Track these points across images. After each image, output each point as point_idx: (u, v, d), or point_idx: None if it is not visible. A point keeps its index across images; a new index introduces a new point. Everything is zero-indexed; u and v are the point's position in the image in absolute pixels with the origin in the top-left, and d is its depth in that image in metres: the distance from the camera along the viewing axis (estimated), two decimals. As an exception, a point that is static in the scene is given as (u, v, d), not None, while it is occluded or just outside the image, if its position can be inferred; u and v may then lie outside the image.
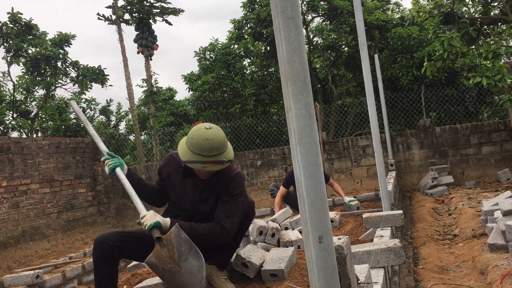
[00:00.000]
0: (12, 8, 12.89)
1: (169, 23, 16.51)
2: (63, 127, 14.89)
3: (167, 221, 2.69)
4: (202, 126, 2.74)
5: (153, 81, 16.82)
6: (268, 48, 12.43)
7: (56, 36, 13.84)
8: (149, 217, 2.63)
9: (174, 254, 2.56)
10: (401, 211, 4.18)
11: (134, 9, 15.51)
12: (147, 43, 15.89)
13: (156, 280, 3.19)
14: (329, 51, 12.25)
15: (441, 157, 10.11)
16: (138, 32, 16.04)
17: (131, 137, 17.79)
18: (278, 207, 6.33)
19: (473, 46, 10.10)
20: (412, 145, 10.28)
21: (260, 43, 12.81)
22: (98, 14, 14.95)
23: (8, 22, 12.92)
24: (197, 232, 2.70)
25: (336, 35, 12.40)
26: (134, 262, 4.46)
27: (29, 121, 14.29)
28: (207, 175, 2.81)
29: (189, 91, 15.15)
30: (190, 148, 2.69)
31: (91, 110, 18.38)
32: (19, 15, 12.94)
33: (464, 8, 10.17)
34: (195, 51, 15.12)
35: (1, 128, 13.96)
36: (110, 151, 3.02)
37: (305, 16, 12.67)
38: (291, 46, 1.31)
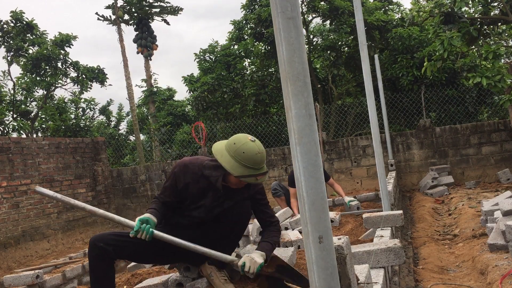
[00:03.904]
0: (16, 8, 12.96)
1: (168, 23, 16.53)
2: (63, 127, 14.88)
3: (262, 254, 2.71)
4: (246, 138, 2.72)
5: (152, 81, 16.84)
6: (268, 48, 12.44)
7: (57, 37, 13.85)
8: (250, 262, 2.66)
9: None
10: (401, 211, 4.18)
11: (133, 9, 15.52)
12: (146, 43, 15.92)
13: (156, 280, 3.19)
14: (329, 51, 12.25)
15: (441, 157, 10.11)
16: (137, 32, 16.05)
17: (131, 137, 17.80)
18: (296, 208, 6.26)
19: (473, 46, 10.10)
20: (412, 145, 10.28)
21: (260, 43, 12.82)
22: (97, 14, 14.97)
23: (10, 21, 12.94)
24: (276, 241, 2.89)
25: (336, 35, 12.41)
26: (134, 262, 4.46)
27: (29, 121, 14.28)
28: (244, 184, 2.85)
29: (189, 92, 15.18)
30: (242, 162, 2.66)
31: (90, 110, 18.38)
32: (21, 14, 12.97)
33: (464, 8, 10.17)
34: (195, 53, 15.15)
35: (1, 128, 13.96)
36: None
37: (305, 17, 12.67)
38: (291, 46, 1.31)
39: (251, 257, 2.65)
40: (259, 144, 2.72)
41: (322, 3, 12.12)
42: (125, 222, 2.68)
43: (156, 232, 2.66)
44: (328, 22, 12.67)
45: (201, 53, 15.07)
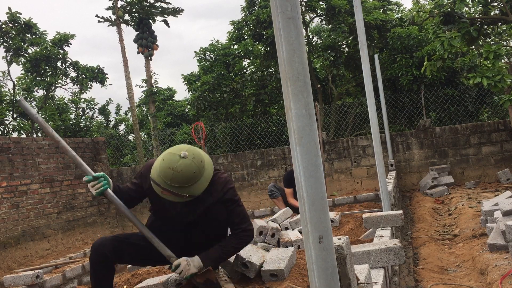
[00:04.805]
0: (10, 8, 12.83)
1: (167, 25, 16.47)
2: (63, 127, 14.89)
3: (200, 264, 2.67)
4: (180, 150, 2.54)
5: (153, 81, 16.82)
6: (268, 49, 12.44)
7: (56, 36, 13.84)
8: (184, 268, 2.62)
9: None
10: (401, 211, 4.18)
11: (134, 10, 15.50)
12: (147, 43, 15.87)
13: (156, 280, 3.19)
14: (328, 51, 12.25)
15: (441, 157, 10.11)
16: (138, 32, 16.02)
17: (131, 137, 17.80)
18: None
19: (473, 46, 10.10)
20: (412, 145, 10.28)
21: (260, 44, 12.81)
22: (97, 16, 14.94)
23: (7, 21, 12.89)
24: (230, 251, 2.78)
25: (334, 35, 12.41)
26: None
27: (29, 121, 14.29)
28: None
29: (188, 91, 15.16)
30: (157, 166, 2.55)
31: (90, 110, 18.40)
32: (17, 15, 12.91)
33: (465, 8, 10.16)
34: (195, 52, 15.14)
35: (1, 128, 13.96)
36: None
37: (304, 17, 12.67)
38: (291, 46, 1.31)
39: (188, 262, 2.63)
40: (182, 163, 2.47)
41: (320, 2, 12.12)
42: (84, 166, 2.69)
43: (109, 190, 2.68)
44: (326, 22, 12.68)
45: (202, 52, 15.07)
